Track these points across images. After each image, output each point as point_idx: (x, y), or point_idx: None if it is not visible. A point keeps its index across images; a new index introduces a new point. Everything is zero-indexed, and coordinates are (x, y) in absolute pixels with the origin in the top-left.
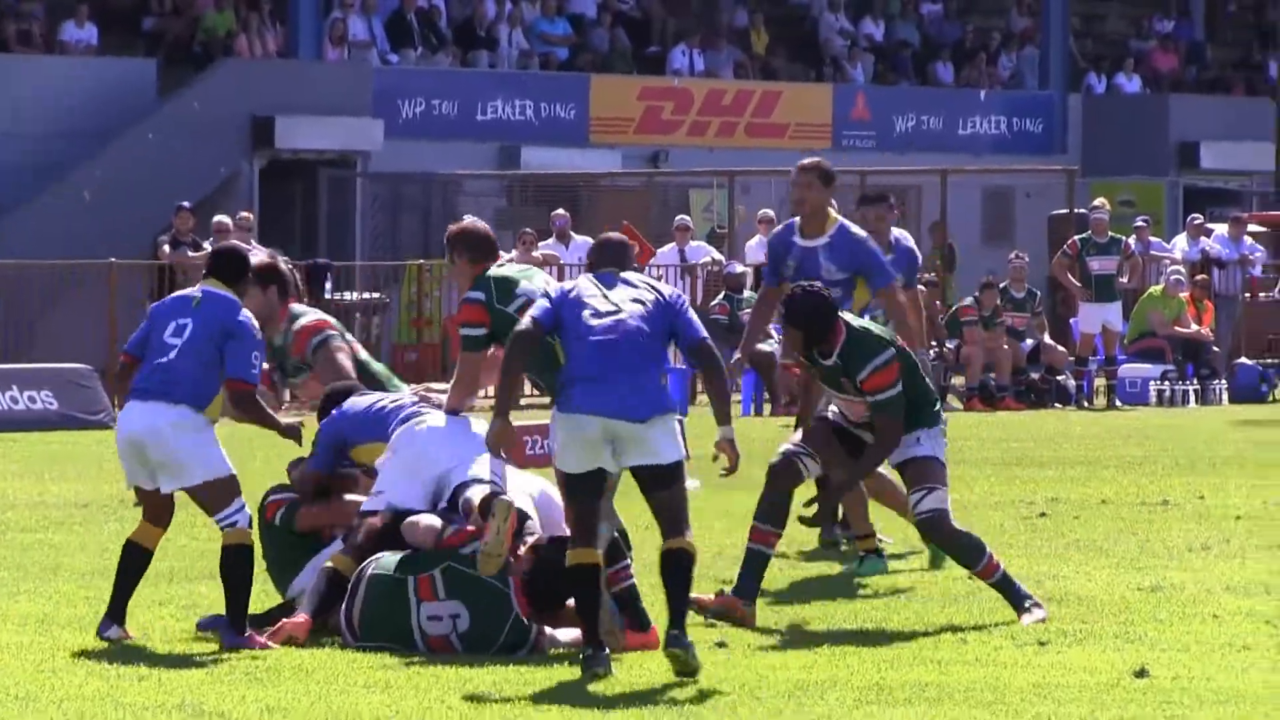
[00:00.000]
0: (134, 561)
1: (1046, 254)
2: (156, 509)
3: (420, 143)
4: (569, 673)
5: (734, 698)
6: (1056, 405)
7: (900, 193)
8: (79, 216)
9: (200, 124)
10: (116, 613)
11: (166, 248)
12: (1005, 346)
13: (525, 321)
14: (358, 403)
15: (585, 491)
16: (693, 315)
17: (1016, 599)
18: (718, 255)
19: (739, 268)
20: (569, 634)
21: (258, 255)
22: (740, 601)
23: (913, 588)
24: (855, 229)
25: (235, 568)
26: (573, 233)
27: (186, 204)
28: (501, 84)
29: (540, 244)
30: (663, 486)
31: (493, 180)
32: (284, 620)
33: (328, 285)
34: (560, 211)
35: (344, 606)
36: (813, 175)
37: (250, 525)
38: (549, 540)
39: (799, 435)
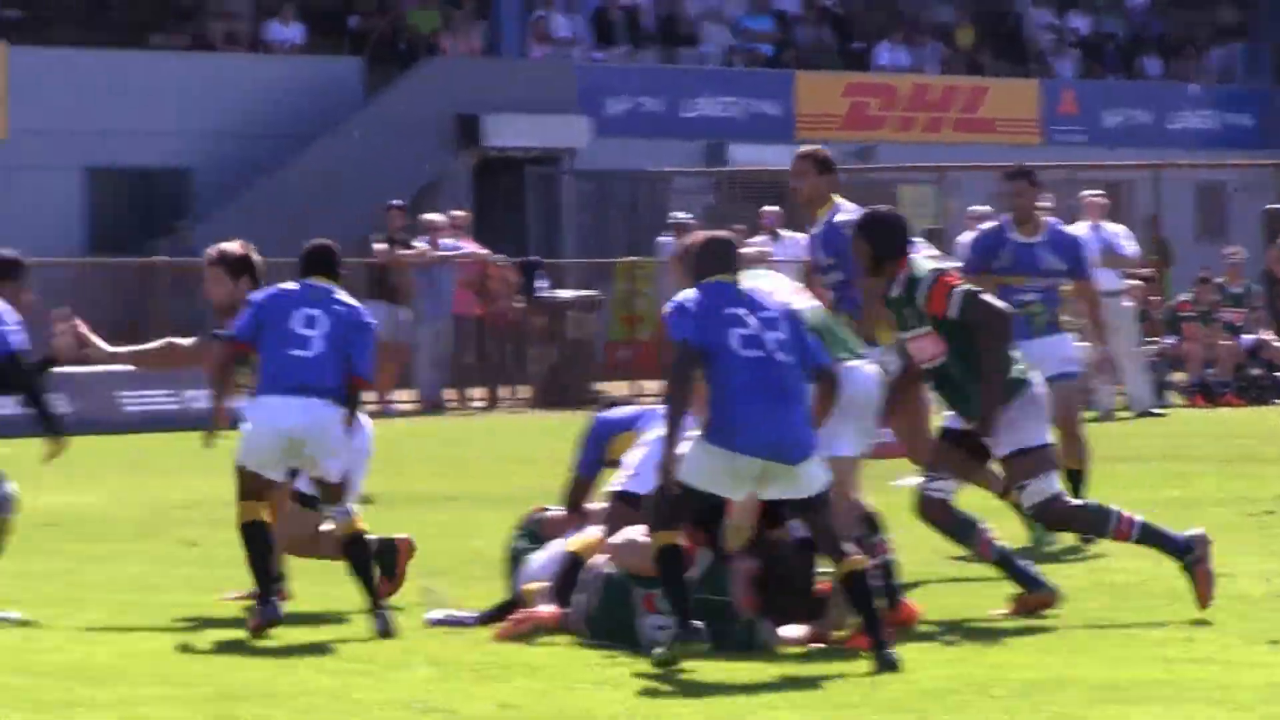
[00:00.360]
0: (261, 537)
1: (1261, 249)
2: (267, 491)
3: (627, 140)
4: (797, 668)
5: (965, 696)
6: (1277, 401)
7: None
8: (285, 215)
9: (406, 122)
10: (269, 587)
11: (380, 245)
12: (1224, 342)
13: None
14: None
15: (705, 504)
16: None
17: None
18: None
19: None
20: (797, 631)
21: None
22: (1031, 595)
23: (1138, 583)
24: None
25: (360, 554)
26: (782, 230)
27: (398, 202)
28: (707, 81)
29: (749, 240)
30: (812, 512)
31: (701, 177)
32: (530, 611)
33: (545, 283)
34: (770, 208)
35: (576, 598)
36: (808, 163)
37: None
38: (785, 540)
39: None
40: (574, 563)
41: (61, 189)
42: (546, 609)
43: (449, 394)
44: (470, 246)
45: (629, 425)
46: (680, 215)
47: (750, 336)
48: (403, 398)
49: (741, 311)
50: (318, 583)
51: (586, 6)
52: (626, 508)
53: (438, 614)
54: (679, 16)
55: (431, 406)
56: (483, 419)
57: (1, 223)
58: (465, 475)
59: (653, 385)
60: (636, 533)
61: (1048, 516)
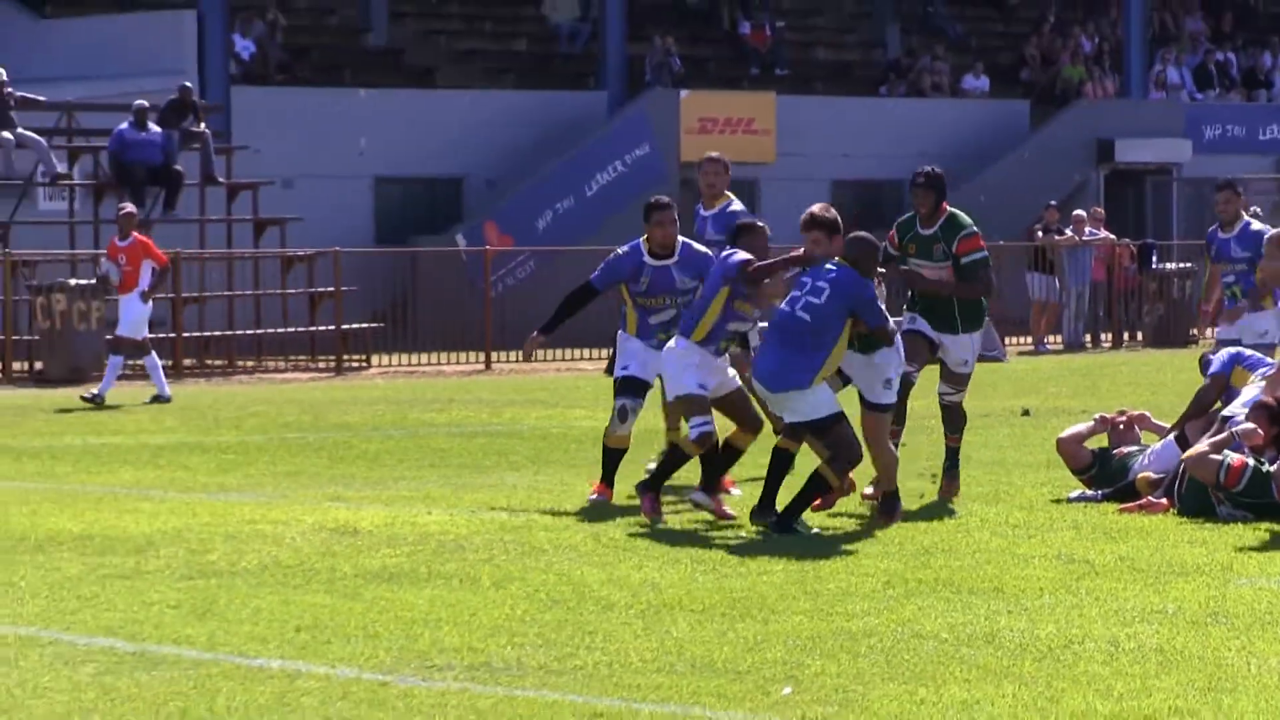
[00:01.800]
0: (782, 461)
1: None
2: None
3: (1217, 156)
4: None
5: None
6: None
7: None
8: (974, 214)
9: (1059, 146)
10: (769, 503)
11: (1039, 233)
12: None
13: None
14: None
15: None
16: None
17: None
18: None
19: None
20: None
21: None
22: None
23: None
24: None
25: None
26: None
27: (1053, 202)
28: (1275, 114)
29: None
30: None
31: (1269, 181)
32: (1149, 500)
33: (1157, 259)
34: None
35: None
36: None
37: None
38: None
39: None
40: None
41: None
42: (1158, 500)
43: (1087, 338)
44: (1104, 233)
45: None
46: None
47: (795, 297)
48: (1053, 341)
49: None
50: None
51: (1190, 61)
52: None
53: (1074, 494)
54: (1258, 68)
55: (1074, 347)
56: (1110, 356)
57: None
58: (1096, 396)
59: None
60: (1204, 447)
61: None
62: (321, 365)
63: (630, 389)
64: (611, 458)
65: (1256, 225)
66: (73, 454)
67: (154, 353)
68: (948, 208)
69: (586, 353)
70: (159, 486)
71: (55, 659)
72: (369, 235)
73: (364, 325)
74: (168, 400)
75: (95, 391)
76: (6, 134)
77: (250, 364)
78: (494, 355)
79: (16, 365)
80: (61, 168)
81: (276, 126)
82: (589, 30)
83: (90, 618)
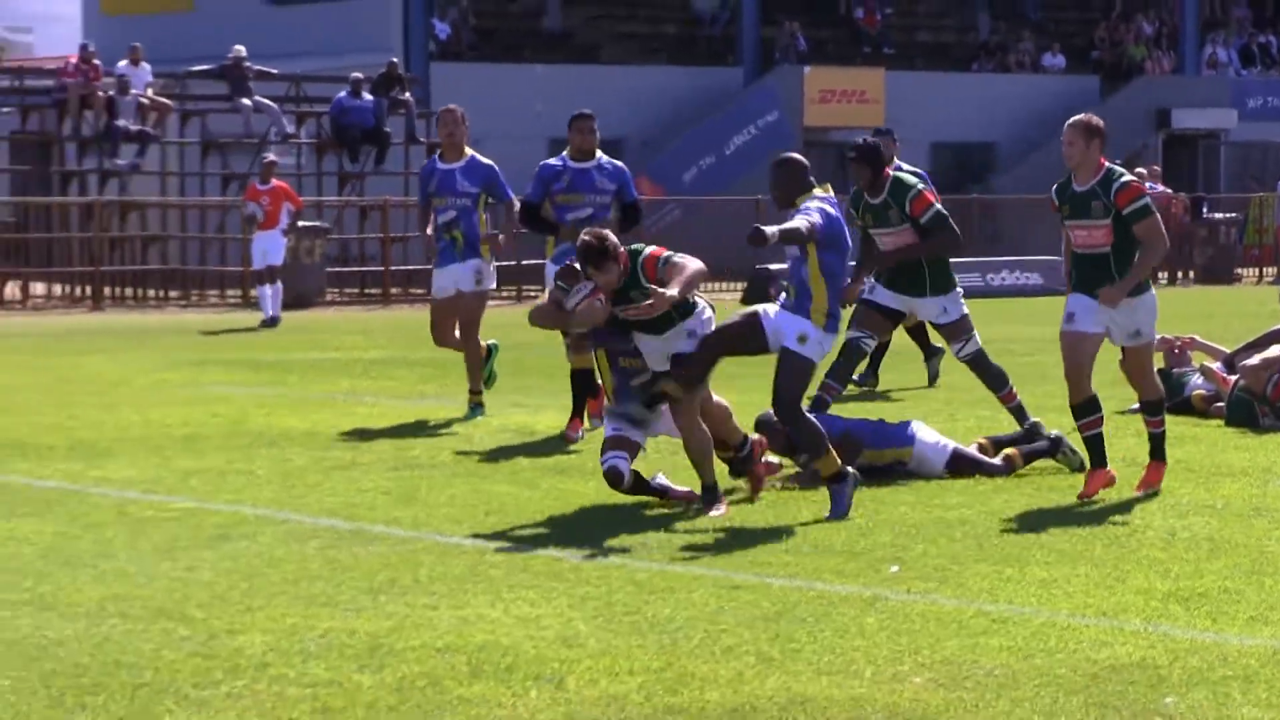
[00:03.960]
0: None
1: None
2: None
3: (1259, 124)
4: None
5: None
6: None
7: None
8: (1055, 173)
9: (1124, 115)
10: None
11: None
12: None
13: None
14: None
15: None
16: None
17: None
18: None
19: None
20: None
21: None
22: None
23: None
24: None
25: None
26: None
27: (1119, 162)
28: None
29: None
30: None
31: None
32: None
33: (1204, 209)
34: None
35: None
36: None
37: None
38: None
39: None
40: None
41: (918, 157)
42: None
43: None
44: (1161, 188)
45: None
46: None
47: None
48: None
49: None
50: None
51: (1237, 43)
52: None
53: (1134, 406)
54: None
55: None
56: (1166, 291)
57: None
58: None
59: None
60: (1257, 361)
61: (977, 367)
62: (505, 295)
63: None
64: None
65: None
66: (300, 366)
67: (279, 282)
68: (890, 173)
69: (726, 286)
70: (371, 393)
71: (287, 535)
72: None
73: (539, 262)
74: (278, 323)
75: (272, 314)
76: (245, 101)
77: None
78: None
79: (251, 294)
80: (290, 129)
81: (467, 95)
82: (728, 15)
83: (315, 501)
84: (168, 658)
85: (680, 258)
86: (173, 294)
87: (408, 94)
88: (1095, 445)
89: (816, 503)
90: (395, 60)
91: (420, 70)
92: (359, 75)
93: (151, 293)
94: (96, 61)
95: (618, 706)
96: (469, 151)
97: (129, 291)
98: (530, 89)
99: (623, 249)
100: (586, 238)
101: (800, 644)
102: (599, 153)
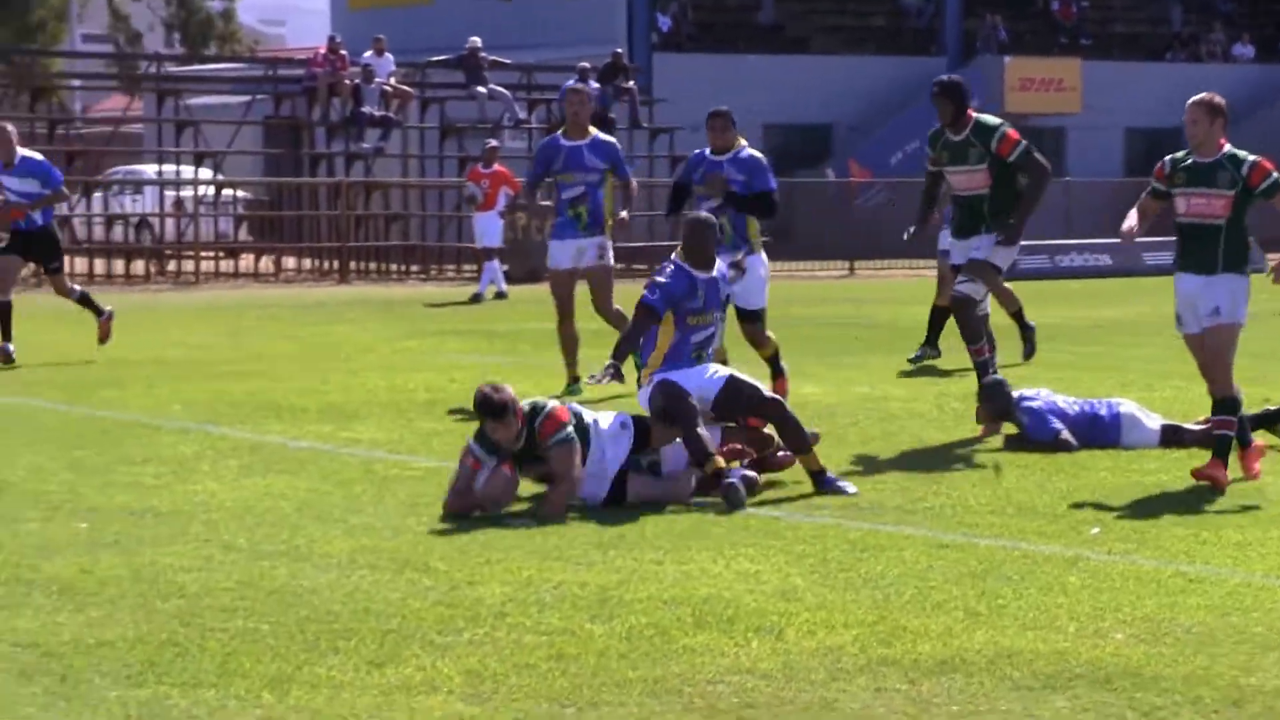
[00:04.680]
0: None
1: None
2: None
3: None
4: None
5: None
6: None
7: None
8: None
9: None
10: None
11: None
12: None
13: None
14: None
15: None
16: None
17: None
18: None
19: None
20: None
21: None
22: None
23: None
24: None
25: None
26: None
27: None
28: None
29: None
30: None
31: None
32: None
33: None
34: None
35: None
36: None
37: None
38: None
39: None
40: None
41: (1112, 142)
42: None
43: None
44: None
45: None
46: None
47: None
48: None
49: None
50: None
51: None
52: None
53: None
54: None
55: None
56: None
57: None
58: None
59: None
60: None
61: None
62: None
63: None
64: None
65: None
66: (532, 336)
67: (495, 260)
68: (973, 114)
69: (930, 263)
70: (600, 361)
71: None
72: None
73: (654, 244)
74: (506, 297)
75: (479, 291)
76: (480, 89)
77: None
78: (856, 263)
79: None
80: (522, 115)
81: (687, 84)
82: (932, 8)
83: None
84: (413, 606)
85: (568, 450)
86: (413, 268)
87: (631, 82)
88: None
89: (1020, 468)
90: (620, 51)
91: (643, 60)
92: (586, 64)
93: (393, 267)
94: (344, 52)
95: (834, 657)
96: (592, 130)
97: (373, 266)
98: (745, 78)
99: (521, 406)
100: (484, 390)
101: (1006, 600)
102: (741, 142)
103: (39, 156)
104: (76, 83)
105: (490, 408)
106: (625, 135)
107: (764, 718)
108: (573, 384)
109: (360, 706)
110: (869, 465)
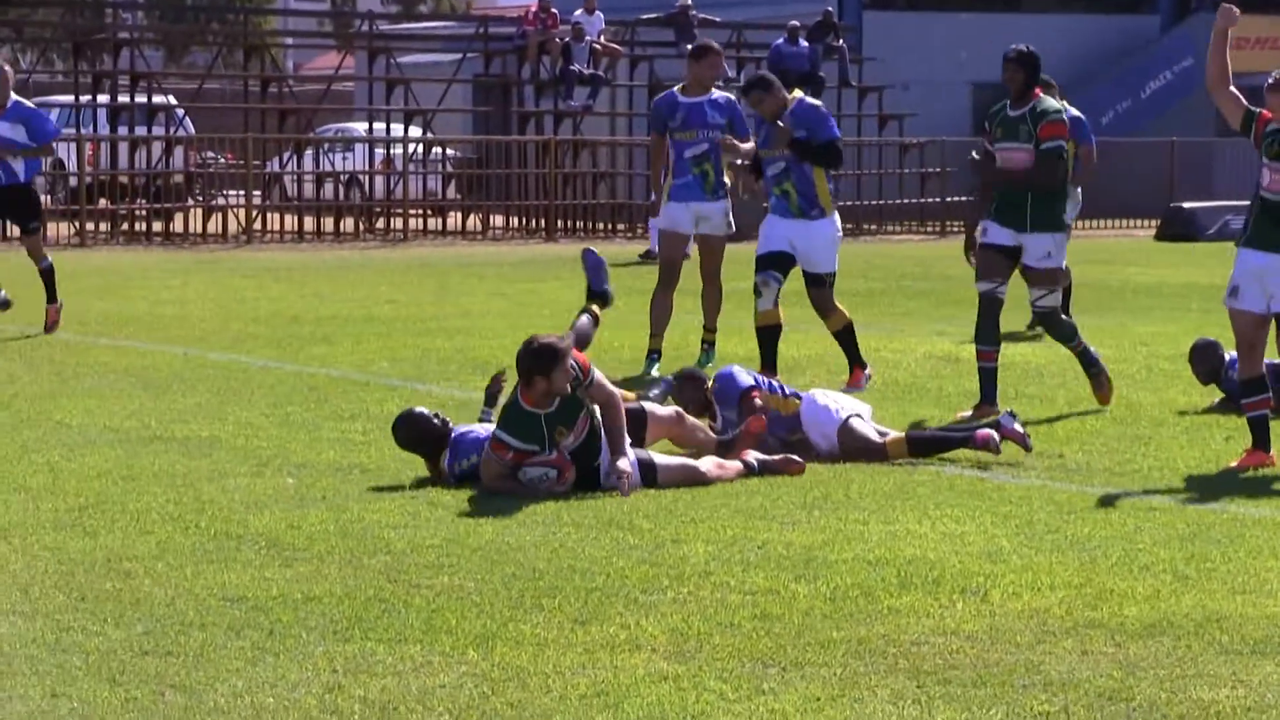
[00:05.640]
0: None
1: None
2: None
3: None
4: None
5: None
6: None
7: None
8: None
9: None
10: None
11: None
12: None
13: None
14: None
15: None
16: None
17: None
18: None
19: None
20: None
21: None
22: (987, 405)
23: None
24: None
25: None
26: None
27: None
28: None
29: None
30: None
31: None
32: None
33: None
34: None
35: None
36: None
37: None
38: None
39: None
40: None
41: None
42: None
43: None
44: None
45: None
46: None
47: None
48: None
49: None
50: None
51: None
52: None
53: None
54: None
55: None
56: None
57: None
58: None
59: None
60: None
61: (1049, 321)
62: (930, 229)
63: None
64: (760, 336)
65: None
66: (736, 295)
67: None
68: (1040, 93)
69: (1139, 222)
70: (804, 323)
71: None
72: (966, 128)
73: (960, 199)
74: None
75: (650, 249)
76: (690, 46)
77: (872, 227)
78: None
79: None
80: (731, 74)
81: (898, 42)
82: None
83: None
84: (618, 564)
85: (603, 378)
86: (619, 226)
87: (841, 41)
88: (1258, 426)
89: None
90: (830, 9)
91: (854, 19)
92: (796, 23)
93: (600, 225)
94: (554, 10)
95: (1039, 619)
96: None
97: (579, 224)
98: (955, 36)
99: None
100: (540, 340)
101: (1214, 563)
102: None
103: (32, 105)
104: (289, 41)
105: (554, 354)
106: (834, 94)
107: (968, 680)
108: (652, 356)
109: (564, 664)
110: (1077, 427)
